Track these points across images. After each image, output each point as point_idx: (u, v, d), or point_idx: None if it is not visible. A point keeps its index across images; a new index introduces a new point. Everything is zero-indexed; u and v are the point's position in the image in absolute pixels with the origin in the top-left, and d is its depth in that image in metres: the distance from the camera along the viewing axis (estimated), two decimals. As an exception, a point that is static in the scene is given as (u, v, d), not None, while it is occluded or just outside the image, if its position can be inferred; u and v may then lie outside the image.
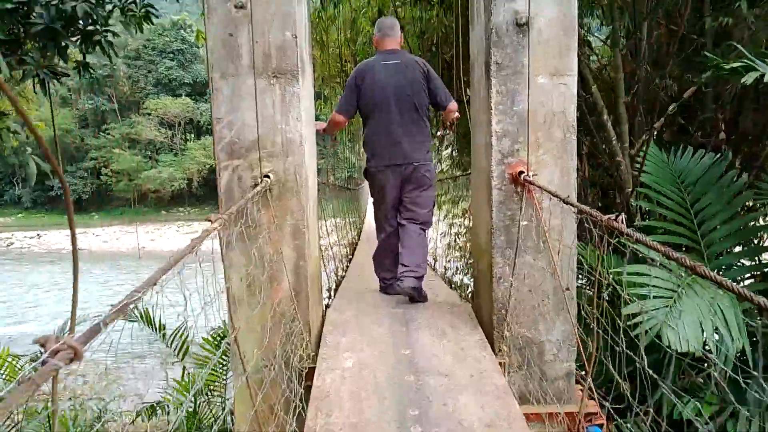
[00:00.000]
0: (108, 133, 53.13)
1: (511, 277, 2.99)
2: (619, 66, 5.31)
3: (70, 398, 10.45)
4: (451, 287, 5.30)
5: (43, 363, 0.81)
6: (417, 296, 3.66)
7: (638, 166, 4.81)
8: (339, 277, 5.10)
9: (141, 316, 6.82)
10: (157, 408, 6.87)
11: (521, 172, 2.89)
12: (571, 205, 2.60)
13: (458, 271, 11.97)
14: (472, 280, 4.34)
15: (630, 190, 5.16)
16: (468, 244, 11.46)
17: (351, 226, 9.66)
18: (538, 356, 3.06)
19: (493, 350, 3.00)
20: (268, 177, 2.85)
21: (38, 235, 42.39)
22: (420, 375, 2.59)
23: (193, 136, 54.07)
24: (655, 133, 5.32)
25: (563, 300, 3.01)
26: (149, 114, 52.09)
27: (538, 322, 3.04)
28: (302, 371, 2.96)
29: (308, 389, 2.76)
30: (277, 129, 2.91)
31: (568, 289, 2.95)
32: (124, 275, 26.22)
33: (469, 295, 4.10)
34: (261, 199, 2.86)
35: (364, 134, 3.96)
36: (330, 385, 2.54)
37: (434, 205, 3.93)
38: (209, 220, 1.89)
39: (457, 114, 3.98)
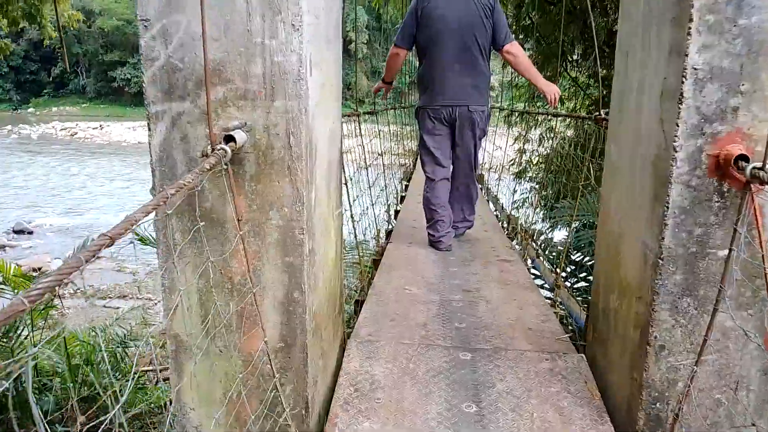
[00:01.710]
0: (169, 25, 51.76)
1: (689, 352, 1.58)
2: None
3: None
4: (514, 238, 3.94)
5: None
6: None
7: None
8: (381, 245, 3.78)
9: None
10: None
11: (741, 158, 1.41)
12: None
13: (525, 206, 10.53)
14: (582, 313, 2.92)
15: None
16: (540, 174, 9.92)
17: (404, 158, 8.26)
18: (714, 483, 1.69)
19: (631, 464, 1.66)
20: (233, 139, 1.47)
21: (101, 126, 42.44)
22: None
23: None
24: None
25: (773, 390, 1.61)
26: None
27: (721, 425, 1.66)
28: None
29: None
30: (253, 46, 1.49)
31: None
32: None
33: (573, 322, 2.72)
34: (222, 177, 1.51)
35: (418, 70, 3.71)
36: None
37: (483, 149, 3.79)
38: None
39: (524, 61, 3.48)
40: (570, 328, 2.93)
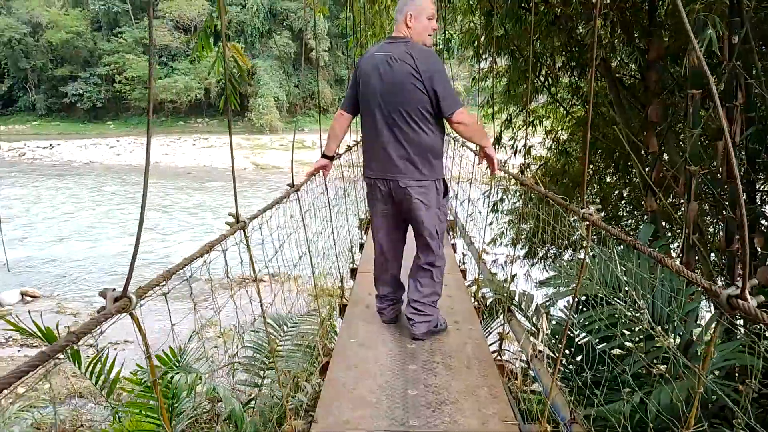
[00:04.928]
0: (121, 37, 49.33)
1: None
2: None
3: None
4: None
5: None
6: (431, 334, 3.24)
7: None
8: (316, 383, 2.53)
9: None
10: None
11: None
12: None
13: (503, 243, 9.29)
14: None
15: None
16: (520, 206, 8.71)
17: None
18: None
19: None
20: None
21: (51, 145, 40.13)
22: None
23: (211, 41, 49.75)
24: None
25: None
26: (164, 17, 48.07)
27: None
28: None
29: None
30: None
31: None
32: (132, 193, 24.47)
33: None
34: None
35: None
36: None
37: (442, 233, 3.16)
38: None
39: (473, 127, 3.07)
40: None
